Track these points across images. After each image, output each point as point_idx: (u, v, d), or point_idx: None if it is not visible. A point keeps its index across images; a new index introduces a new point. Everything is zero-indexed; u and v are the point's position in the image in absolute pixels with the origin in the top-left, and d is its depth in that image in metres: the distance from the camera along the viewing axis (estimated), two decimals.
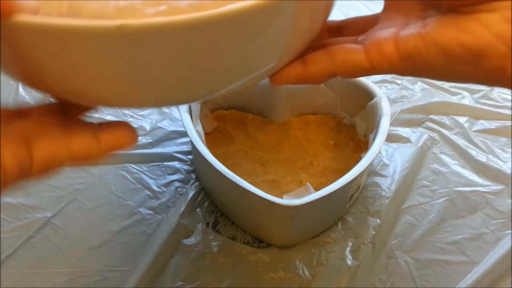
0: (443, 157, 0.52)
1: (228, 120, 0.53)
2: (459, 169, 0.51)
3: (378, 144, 0.43)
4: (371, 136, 0.47)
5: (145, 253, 0.41)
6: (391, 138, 0.54)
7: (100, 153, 0.21)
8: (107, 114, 0.56)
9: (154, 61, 0.20)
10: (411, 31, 0.22)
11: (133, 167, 0.50)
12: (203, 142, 0.43)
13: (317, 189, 0.40)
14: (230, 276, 0.40)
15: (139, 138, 0.53)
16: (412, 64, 0.22)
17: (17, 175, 0.20)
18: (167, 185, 0.48)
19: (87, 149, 0.21)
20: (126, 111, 0.57)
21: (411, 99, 0.61)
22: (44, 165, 0.20)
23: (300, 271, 0.41)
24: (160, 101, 0.24)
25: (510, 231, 0.44)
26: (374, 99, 0.48)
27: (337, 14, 0.77)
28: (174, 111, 0.57)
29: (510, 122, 0.57)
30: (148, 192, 0.47)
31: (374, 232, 0.44)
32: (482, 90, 0.62)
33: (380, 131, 0.45)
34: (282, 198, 0.40)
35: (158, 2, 0.20)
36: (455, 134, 0.55)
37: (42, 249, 0.42)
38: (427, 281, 0.41)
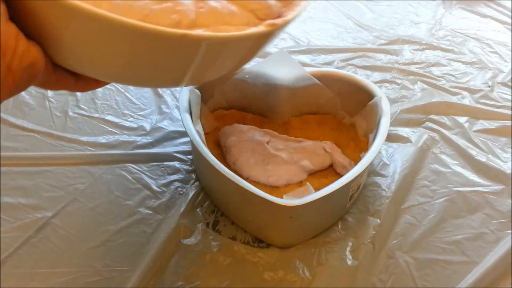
0: (443, 157, 0.52)
1: (228, 120, 0.53)
2: (459, 169, 0.51)
3: (378, 144, 0.43)
4: (371, 136, 0.47)
5: (145, 253, 0.41)
6: (391, 138, 0.54)
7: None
8: (107, 114, 0.56)
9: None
10: None
11: (133, 167, 0.50)
12: (203, 142, 0.43)
13: (317, 189, 0.40)
14: (230, 276, 0.40)
15: (139, 138, 0.53)
16: None
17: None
18: (167, 185, 0.48)
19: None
20: (127, 112, 0.57)
21: (411, 99, 0.61)
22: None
23: (300, 271, 0.41)
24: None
25: (510, 231, 0.44)
26: (374, 99, 0.48)
27: (337, 14, 0.77)
28: (174, 111, 0.57)
29: (510, 122, 0.57)
30: (148, 192, 0.47)
31: (374, 232, 0.44)
32: (482, 90, 0.62)
33: (380, 131, 0.45)
34: (282, 198, 0.40)
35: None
36: (455, 134, 0.55)
37: (42, 249, 0.42)
38: (427, 281, 0.41)
